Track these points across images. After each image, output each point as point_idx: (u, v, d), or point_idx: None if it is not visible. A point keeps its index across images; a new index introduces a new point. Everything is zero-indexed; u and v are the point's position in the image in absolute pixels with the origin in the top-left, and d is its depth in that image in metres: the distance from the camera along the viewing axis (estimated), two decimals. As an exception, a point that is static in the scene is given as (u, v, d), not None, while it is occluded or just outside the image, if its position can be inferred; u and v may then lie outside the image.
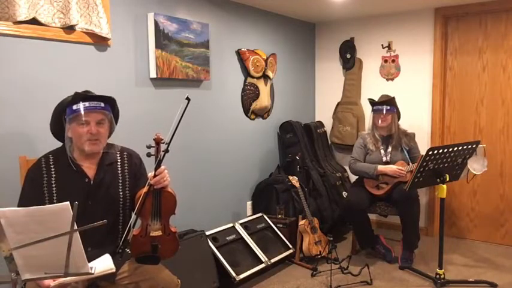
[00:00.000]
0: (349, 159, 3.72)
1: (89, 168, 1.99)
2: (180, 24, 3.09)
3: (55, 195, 1.91)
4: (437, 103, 4.07)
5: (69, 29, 2.49)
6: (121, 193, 2.03)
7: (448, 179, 2.97)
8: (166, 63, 3.01)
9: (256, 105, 3.92)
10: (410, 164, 3.48)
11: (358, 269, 3.27)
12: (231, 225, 3.37)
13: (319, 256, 3.52)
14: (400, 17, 4.20)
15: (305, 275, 3.31)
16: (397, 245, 3.67)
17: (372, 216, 3.84)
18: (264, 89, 3.96)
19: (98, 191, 1.98)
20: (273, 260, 3.31)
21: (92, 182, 1.98)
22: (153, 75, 2.98)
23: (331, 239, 3.22)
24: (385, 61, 4.33)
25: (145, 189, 1.90)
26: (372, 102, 3.63)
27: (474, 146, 3.03)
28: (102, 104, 1.95)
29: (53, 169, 1.94)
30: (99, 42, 2.65)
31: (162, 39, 2.97)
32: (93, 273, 1.57)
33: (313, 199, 3.92)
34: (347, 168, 3.92)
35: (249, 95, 3.86)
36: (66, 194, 1.84)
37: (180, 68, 3.11)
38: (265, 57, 3.93)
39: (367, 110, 4.05)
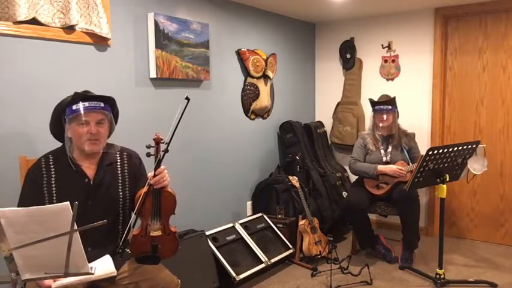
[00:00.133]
0: (349, 159, 3.72)
1: (89, 168, 1.99)
2: (180, 24, 3.09)
3: (55, 195, 1.91)
4: (437, 103, 4.07)
5: (69, 29, 2.49)
6: (121, 193, 2.04)
7: (448, 179, 2.97)
8: (166, 63, 3.01)
9: (256, 105, 3.92)
10: (410, 164, 3.48)
11: (358, 269, 3.27)
12: (231, 225, 3.37)
13: (319, 256, 3.52)
14: (400, 17, 4.20)
15: (305, 275, 3.31)
16: (397, 245, 3.67)
17: (372, 216, 3.84)
18: (264, 89, 3.96)
19: (97, 191, 1.98)
20: (273, 260, 3.31)
21: (91, 182, 1.98)
22: (153, 75, 2.98)
23: (331, 239, 3.22)
24: (385, 61, 4.33)
25: (145, 189, 1.90)
26: (373, 102, 3.63)
27: (474, 146, 3.03)
28: (102, 104, 1.95)
29: (52, 169, 1.94)
30: (99, 42, 2.65)
31: (162, 39, 2.97)
32: (93, 273, 1.57)
33: (313, 199, 3.92)
34: (347, 168, 3.92)
35: (249, 95, 3.86)
36: (66, 194, 1.84)
37: (180, 68, 3.11)
38: (265, 57, 3.93)
39: (367, 110, 4.05)
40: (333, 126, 4.57)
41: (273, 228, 3.61)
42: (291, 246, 3.53)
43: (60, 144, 2.02)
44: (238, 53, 3.74)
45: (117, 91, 2.53)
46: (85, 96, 1.92)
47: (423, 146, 3.76)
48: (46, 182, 1.92)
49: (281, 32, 4.25)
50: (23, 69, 2.33)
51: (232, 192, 3.79)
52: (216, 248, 3.07)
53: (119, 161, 2.07)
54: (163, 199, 1.93)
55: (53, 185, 1.92)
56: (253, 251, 3.28)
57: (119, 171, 2.06)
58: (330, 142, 4.62)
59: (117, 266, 1.88)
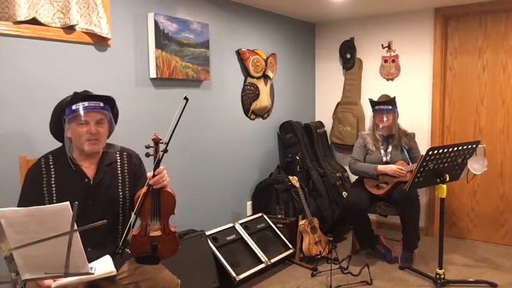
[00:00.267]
0: (349, 159, 3.72)
1: (89, 168, 1.99)
2: (180, 24, 3.09)
3: (55, 195, 1.91)
4: (437, 103, 4.07)
5: (69, 29, 2.49)
6: (121, 193, 2.03)
7: (448, 179, 2.97)
8: (166, 63, 3.01)
9: (256, 105, 3.92)
10: (410, 164, 3.48)
11: (358, 269, 3.27)
12: (231, 225, 3.37)
13: (319, 256, 3.52)
14: (400, 17, 4.20)
15: (305, 275, 3.31)
16: (397, 245, 3.67)
17: (372, 216, 3.84)
18: (264, 89, 3.96)
19: (97, 191, 1.98)
20: (273, 260, 3.31)
21: (91, 182, 1.98)
22: (153, 75, 2.98)
23: (331, 239, 3.22)
24: (385, 61, 4.33)
25: (144, 189, 1.90)
26: (373, 102, 3.63)
27: (474, 146, 3.03)
28: (102, 104, 1.95)
29: (52, 169, 1.94)
30: (99, 42, 2.65)
31: (162, 39, 2.97)
32: (93, 273, 1.57)
33: (313, 199, 3.92)
34: (347, 168, 3.92)
35: (249, 95, 3.86)
36: (66, 194, 1.84)
37: (180, 68, 3.11)
38: (265, 57, 3.93)
39: (367, 110, 4.05)
40: (333, 126, 4.57)
41: (273, 228, 3.60)
42: (291, 246, 3.53)
43: (60, 144, 2.02)
44: (238, 53, 3.74)
45: (117, 91, 2.53)
46: (84, 96, 1.92)
47: (423, 146, 3.76)
48: (46, 182, 1.92)
49: (281, 32, 4.25)
50: (23, 69, 2.33)
51: (232, 192, 3.79)
52: (216, 248, 3.07)
53: (118, 161, 2.07)
54: (163, 199, 1.93)
55: (53, 185, 1.92)
56: (253, 251, 3.28)
57: (119, 171, 2.05)
58: (330, 142, 4.62)
59: (117, 266, 1.88)
